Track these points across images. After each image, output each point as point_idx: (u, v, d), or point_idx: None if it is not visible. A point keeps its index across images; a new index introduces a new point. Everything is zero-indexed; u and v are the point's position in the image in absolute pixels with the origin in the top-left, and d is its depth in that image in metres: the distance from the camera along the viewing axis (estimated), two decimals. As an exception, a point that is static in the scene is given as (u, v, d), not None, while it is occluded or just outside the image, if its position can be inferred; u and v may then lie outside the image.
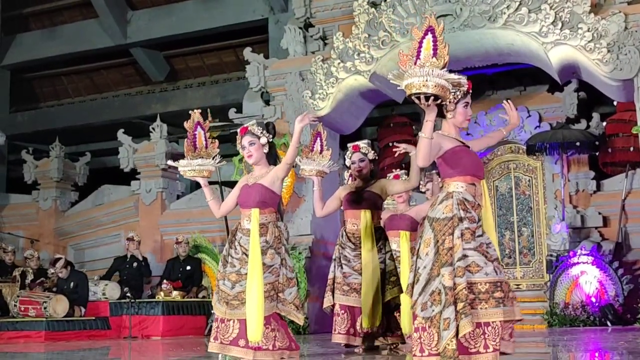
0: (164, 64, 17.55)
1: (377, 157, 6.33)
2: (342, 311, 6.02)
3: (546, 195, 12.12)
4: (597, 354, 5.26)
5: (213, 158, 5.43)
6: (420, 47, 4.07)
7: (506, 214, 12.44)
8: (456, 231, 4.10)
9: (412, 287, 4.14)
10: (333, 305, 6.10)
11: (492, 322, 4.04)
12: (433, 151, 4.16)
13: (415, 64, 4.04)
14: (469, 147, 4.39)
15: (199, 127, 5.41)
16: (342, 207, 6.28)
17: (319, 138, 6.13)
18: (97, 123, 17.67)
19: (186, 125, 5.42)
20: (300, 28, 12.25)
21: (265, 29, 14.75)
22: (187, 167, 5.39)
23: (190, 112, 5.46)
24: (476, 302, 4.04)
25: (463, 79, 4.16)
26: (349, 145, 6.38)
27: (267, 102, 12.26)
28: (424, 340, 4.04)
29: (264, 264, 4.94)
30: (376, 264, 5.95)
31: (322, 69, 11.41)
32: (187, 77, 17.72)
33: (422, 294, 4.08)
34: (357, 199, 6.12)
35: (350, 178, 6.40)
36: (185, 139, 5.46)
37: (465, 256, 4.08)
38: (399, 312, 6.58)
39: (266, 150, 5.25)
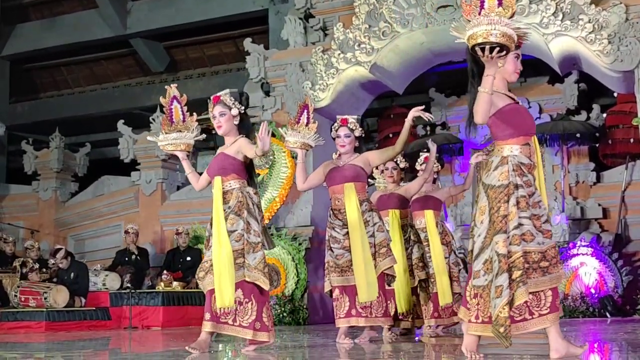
0: (164, 55, 17.52)
1: (363, 135, 6.19)
2: (340, 294, 5.93)
3: (546, 187, 12.12)
4: (596, 345, 5.28)
5: (191, 131, 5.42)
6: None
7: (506, 205, 12.44)
8: (511, 199, 4.01)
9: (472, 255, 4.11)
10: (332, 289, 6.02)
11: (539, 291, 4.06)
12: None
13: (479, 13, 3.90)
14: (518, 102, 4.25)
15: (175, 101, 5.41)
16: (325, 184, 6.18)
17: (306, 110, 6.02)
18: (97, 114, 17.66)
19: (162, 100, 5.42)
20: (300, 19, 12.23)
21: (265, 19, 14.72)
22: (164, 142, 5.40)
23: (165, 93, 5.41)
24: (529, 271, 4.02)
25: (529, 30, 4.02)
26: (337, 117, 6.27)
27: (267, 93, 12.25)
28: (480, 307, 4.05)
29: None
30: (364, 238, 5.83)
31: (323, 60, 11.40)
32: (187, 68, 17.69)
33: (476, 262, 4.05)
34: (339, 174, 6.01)
35: (337, 155, 6.26)
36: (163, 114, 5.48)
37: (520, 224, 4.01)
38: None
39: (237, 122, 5.24)
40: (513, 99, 4.25)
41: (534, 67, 12.29)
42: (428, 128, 13.07)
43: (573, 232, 11.17)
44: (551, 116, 12.04)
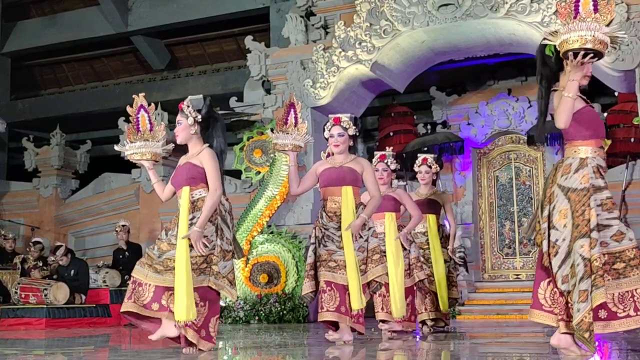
0: (165, 52, 17.51)
1: (357, 134, 5.87)
2: (329, 288, 5.61)
3: (546, 186, 12.13)
4: (596, 344, 5.28)
5: (158, 140, 5.32)
6: (577, 1, 3.91)
7: (506, 204, 12.45)
8: (592, 201, 4.00)
9: (550, 259, 4.06)
10: (314, 292, 5.73)
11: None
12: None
13: (574, 17, 3.88)
14: (592, 106, 4.26)
15: (142, 109, 5.34)
16: (318, 186, 5.88)
17: (292, 110, 5.81)
18: (97, 111, 17.65)
19: (129, 109, 5.34)
20: (301, 17, 12.23)
21: (266, 17, 14.72)
22: (130, 150, 5.33)
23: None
24: (627, 269, 4.00)
25: (620, 34, 3.96)
26: (330, 116, 5.99)
27: (268, 91, 12.25)
28: (562, 307, 4.08)
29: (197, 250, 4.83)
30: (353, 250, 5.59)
31: (324, 58, 11.40)
32: (188, 65, 17.69)
33: (562, 267, 4.01)
34: (336, 176, 5.72)
35: (326, 154, 6.04)
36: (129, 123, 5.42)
37: (607, 226, 4.01)
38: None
39: (193, 130, 5.07)
40: (587, 101, 4.26)
41: (534, 66, 12.21)
42: (429, 127, 13.06)
43: (573, 231, 11.17)
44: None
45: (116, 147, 5.56)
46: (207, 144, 5.10)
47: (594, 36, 3.81)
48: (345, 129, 5.78)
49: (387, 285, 6.24)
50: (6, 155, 17.28)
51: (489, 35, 10.85)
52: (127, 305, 4.87)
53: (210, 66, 17.42)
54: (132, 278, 4.95)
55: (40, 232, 14.20)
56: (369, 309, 6.21)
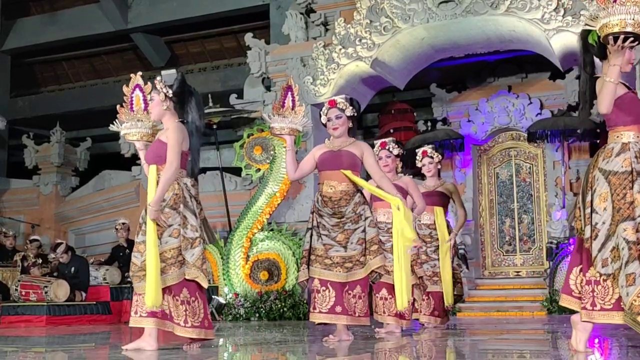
0: (165, 50, 17.50)
1: (355, 114, 5.62)
2: (323, 287, 5.40)
3: (547, 183, 12.13)
4: (596, 341, 5.28)
5: (151, 121, 5.15)
6: None
7: (506, 201, 12.45)
8: (636, 185, 3.98)
9: (591, 242, 4.04)
10: (308, 280, 5.51)
11: None
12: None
13: (614, 1, 3.88)
14: (635, 92, 4.26)
15: (137, 89, 5.26)
16: (316, 169, 5.65)
17: (290, 93, 5.61)
18: (97, 108, 17.62)
19: (125, 88, 5.24)
20: (301, 14, 12.22)
21: (266, 14, 14.70)
22: (124, 130, 5.23)
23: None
24: None
25: None
26: (324, 101, 5.82)
27: (268, 88, 12.25)
28: (597, 294, 4.00)
29: (161, 225, 4.70)
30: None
31: (324, 55, 11.39)
32: (188, 62, 17.67)
33: (602, 250, 3.99)
34: (334, 159, 5.49)
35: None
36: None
37: None
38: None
39: (165, 106, 4.87)
40: (629, 87, 4.24)
41: (535, 63, 12.28)
42: (429, 124, 13.06)
43: (573, 228, 11.16)
44: (552, 112, 12.02)
45: (111, 127, 5.43)
46: (180, 120, 4.92)
47: (634, 19, 3.81)
48: (342, 110, 5.57)
49: (389, 286, 6.15)
50: (6, 152, 17.28)
51: (489, 32, 10.85)
52: (132, 321, 4.83)
53: (210, 63, 17.41)
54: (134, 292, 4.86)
55: (40, 230, 14.20)
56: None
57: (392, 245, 5.77)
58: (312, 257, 5.50)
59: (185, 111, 4.94)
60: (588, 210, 4.11)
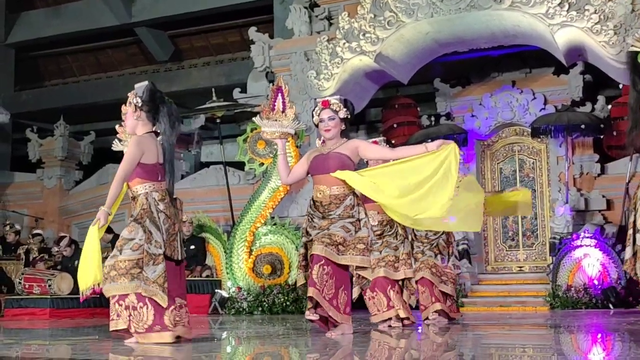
0: (169, 44, 17.51)
1: (349, 116, 5.49)
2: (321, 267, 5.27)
3: (550, 178, 12.11)
4: (599, 336, 5.29)
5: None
6: None
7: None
8: None
9: (634, 262, 4.04)
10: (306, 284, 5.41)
11: None
12: None
13: None
14: None
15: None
16: (309, 174, 5.57)
17: (280, 95, 5.64)
18: (101, 102, 17.65)
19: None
20: (305, 8, 12.21)
21: (270, 8, 14.69)
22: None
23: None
24: None
25: None
26: (317, 100, 5.67)
27: (271, 82, 12.23)
28: None
29: (122, 237, 4.75)
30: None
31: (327, 49, 11.38)
32: (192, 57, 17.68)
33: None
34: (322, 163, 5.38)
35: (321, 142, 5.65)
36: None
37: None
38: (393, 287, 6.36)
39: (135, 117, 4.92)
40: None
41: (539, 58, 12.25)
42: (432, 118, 13.04)
43: (577, 224, 11.16)
44: (556, 107, 11.99)
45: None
46: (148, 132, 4.93)
47: None
48: (336, 112, 5.45)
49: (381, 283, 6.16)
50: (10, 146, 17.31)
51: (493, 27, 10.82)
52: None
53: (213, 57, 17.41)
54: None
55: (44, 223, 14.23)
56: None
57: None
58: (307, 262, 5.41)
59: (157, 121, 4.95)
60: (630, 232, 4.11)
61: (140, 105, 4.91)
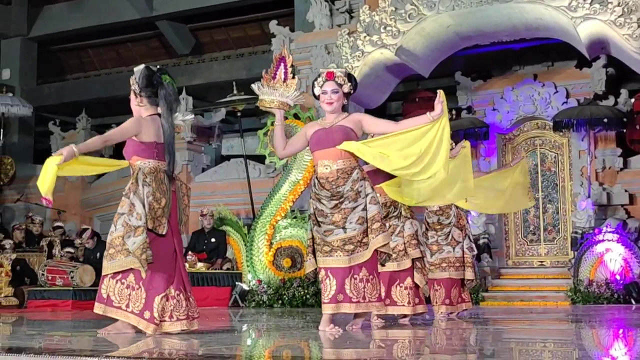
0: (190, 37, 17.53)
1: (352, 91, 5.34)
2: (326, 276, 5.09)
3: (572, 172, 12.03)
4: (620, 332, 5.25)
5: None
6: None
7: (531, 190, 12.35)
8: None
9: None
10: (316, 270, 5.23)
11: None
12: None
13: None
14: None
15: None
16: (310, 149, 5.36)
17: (282, 64, 5.45)
18: (123, 95, 17.61)
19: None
20: (326, 1, 12.20)
21: (291, 2, 14.67)
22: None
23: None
24: None
25: None
26: (321, 70, 5.49)
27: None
28: None
29: (117, 212, 4.89)
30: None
31: (348, 43, 11.36)
32: (213, 50, 17.69)
33: None
34: (327, 136, 5.18)
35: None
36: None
37: None
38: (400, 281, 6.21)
39: (136, 103, 5.04)
40: None
41: (561, 51, 12.16)
42: (454, 112, 12.99)
43: (599, 218, 11.09)
44: (578, 101, 11.91)
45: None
46: (151, 114, 5.03)
47: None
48: (340, 85, 5.27)
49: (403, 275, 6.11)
50: (33, 139, 17.45)
51: (515, 20, 10.75)
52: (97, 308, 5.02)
53: (234, 51, 17.42)
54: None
55: (66, 216, 14.33)
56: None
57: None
58: (315, 246, 5.21)
59: (157, 104, 5.04)
60: None
61: (139, 91, 5.04)
